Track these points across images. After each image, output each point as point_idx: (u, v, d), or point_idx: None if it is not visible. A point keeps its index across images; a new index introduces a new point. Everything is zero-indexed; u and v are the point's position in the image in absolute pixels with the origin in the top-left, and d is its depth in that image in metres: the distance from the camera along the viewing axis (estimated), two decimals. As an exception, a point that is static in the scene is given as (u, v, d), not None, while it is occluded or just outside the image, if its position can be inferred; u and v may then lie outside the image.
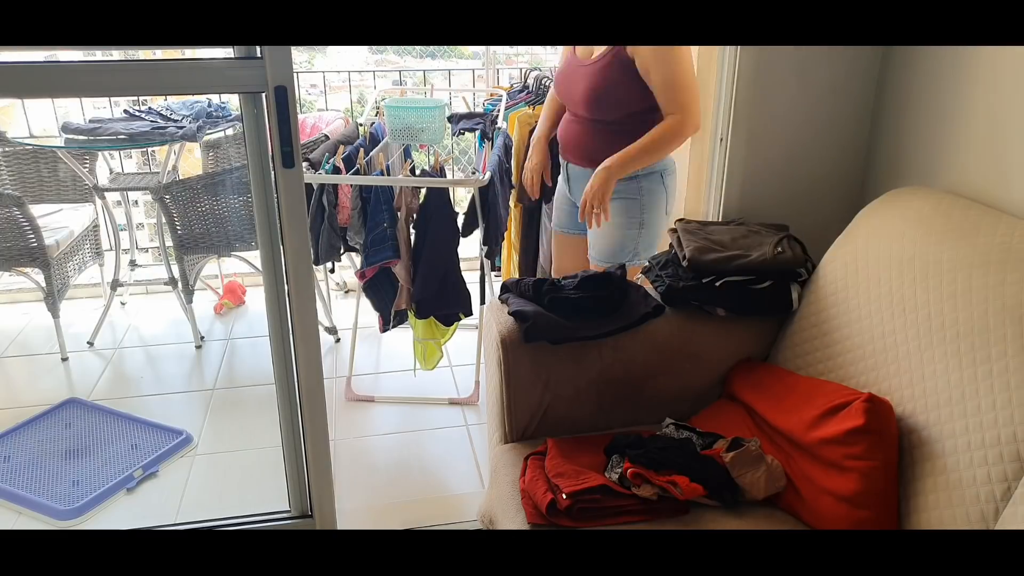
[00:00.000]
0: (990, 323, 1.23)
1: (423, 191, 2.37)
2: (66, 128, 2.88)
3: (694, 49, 2.15)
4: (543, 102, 2.69)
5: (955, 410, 1.24)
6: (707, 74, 2.02)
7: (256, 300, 3.37)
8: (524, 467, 1.46)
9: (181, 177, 3.16)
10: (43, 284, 2.77)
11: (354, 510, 2.05)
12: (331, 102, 4.53)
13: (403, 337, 3.06)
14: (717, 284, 1.64)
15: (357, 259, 2.76)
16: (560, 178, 2.18)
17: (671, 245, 1.82)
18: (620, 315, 1.64)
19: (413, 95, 3.66)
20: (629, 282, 1.73)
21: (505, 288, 1.73)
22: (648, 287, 1.76)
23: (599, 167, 1.88)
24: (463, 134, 2.88)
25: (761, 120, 1.84)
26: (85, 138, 2.81)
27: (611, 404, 1.64)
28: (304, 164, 2.33)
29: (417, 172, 2.52)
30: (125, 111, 3.15)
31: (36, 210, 2.78)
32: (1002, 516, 1.12)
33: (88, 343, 2.99)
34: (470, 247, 2.98)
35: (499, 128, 2.70)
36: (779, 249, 1.67)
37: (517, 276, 2.32)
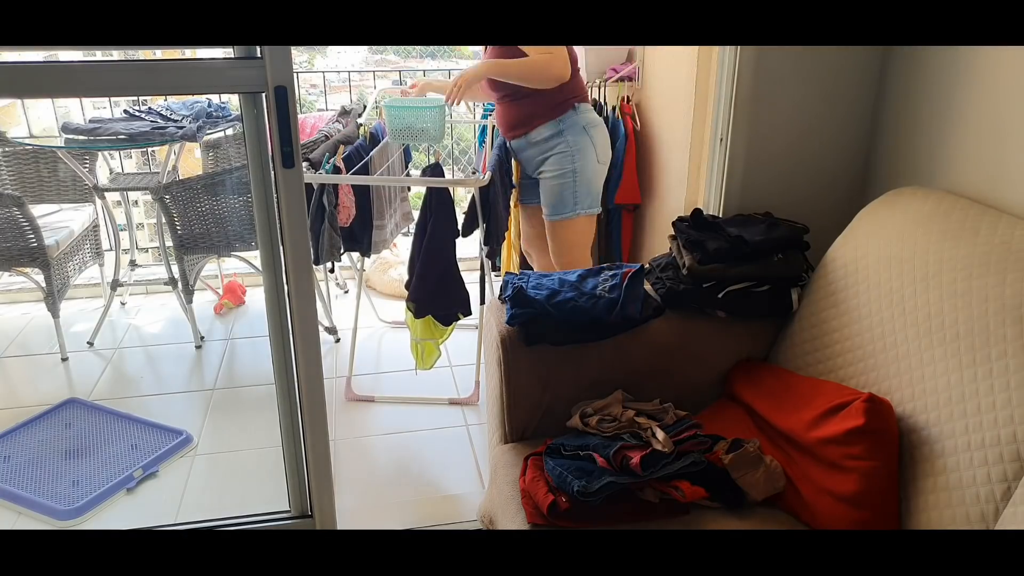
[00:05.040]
0: (990, 323, 1.23)
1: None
2: (66, 128, 2.88)
3: (694, 49, 2.15)
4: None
5: (955, 410, 1.24)
6: (707, 74, 2.02)
7: (256, 300, 3.37)
8: (524, 467, 1.46)
9: (181, 177, 3.16)
10: (43, 284, 2.77)
11: (354, 510, 2.05)
12: (331, 102, 4.53)
13: (403, 337, 3.06)
14: (719, 296, 1.65)
15: (357, 259, 2.76)
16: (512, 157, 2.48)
17: (671, 249, 1.82)
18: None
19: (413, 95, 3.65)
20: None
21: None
22: (648, 288, 1.76)
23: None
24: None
25: (761, 120, 1.84)
26: (85, 138, 2.81)
27: (611, 404, 1.64)
28: (304, 164, 2.33)
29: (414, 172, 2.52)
30: (125, 111, 3.15)
31: (36, 210, 2.78)
32: (1002, 516, 1.12)
33: (88, 343, 2.99)
34: (470, 247, 2.97)
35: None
36: (779, 257, 1.67)
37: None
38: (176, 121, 2.96)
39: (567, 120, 2.26)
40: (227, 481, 2.20)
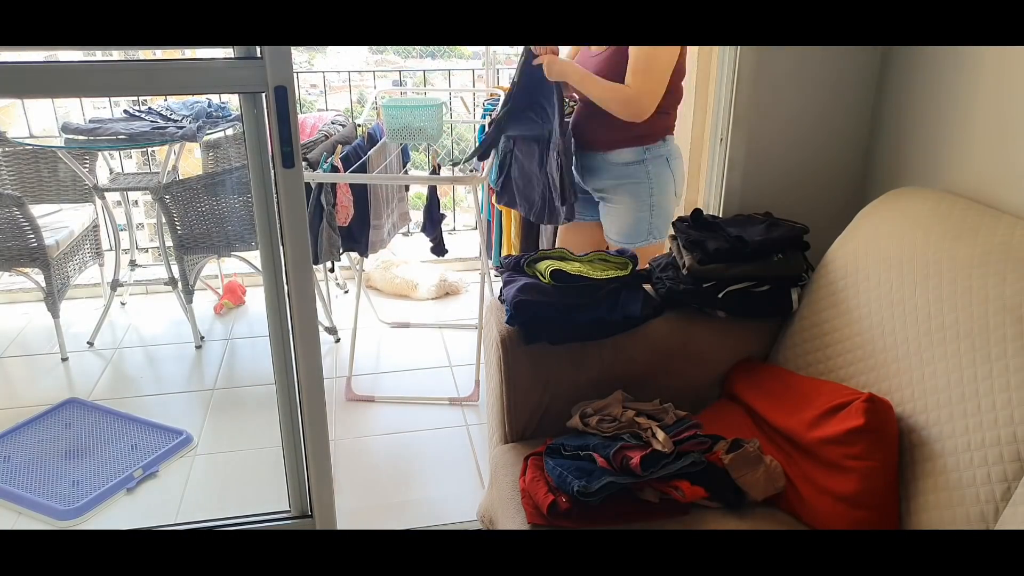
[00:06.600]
0: (990, 323, 1.23)
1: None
2: (66, 128, 2.88)
3: (694, 49, 2.16)
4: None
5: (955, 410, 1.24)
6: (707, 74, 2.02)
7: (256, 300, 3.37)
8: (524, 467, 1.46)
9: (181, 177, 3.16)
10: (43, 284, 2.77)
11: (354, 510, 2.05)
12: (331, 102, 4.53)
13: (403, 337, 3.07)
14: (719, 296, 1.65)
15: (357, 259, 2.76)
16: (573, 168, 2.19)
17: (671, 250, 1.82)
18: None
19: (413, 95, 3.66)
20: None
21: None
22: (648, 288, 1.76)
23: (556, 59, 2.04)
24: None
25: (761, 120, 1.84)
26: (85, 138, 2.81)
27: (611, 404, 1.64)
28: (303, 164, 2.33)
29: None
30: (125, 111, 3.15)
31: (36, 210, 2.78)
32: (1002, 516, 1.12)
33: (88, 343, 2.99)
34: (471, 247, 2.98)
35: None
36: (779, 256, 1.67)
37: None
38: (176, 121, 2.95)
39: (653, 150, 2.08)
40: (227, 481, 2.20)
